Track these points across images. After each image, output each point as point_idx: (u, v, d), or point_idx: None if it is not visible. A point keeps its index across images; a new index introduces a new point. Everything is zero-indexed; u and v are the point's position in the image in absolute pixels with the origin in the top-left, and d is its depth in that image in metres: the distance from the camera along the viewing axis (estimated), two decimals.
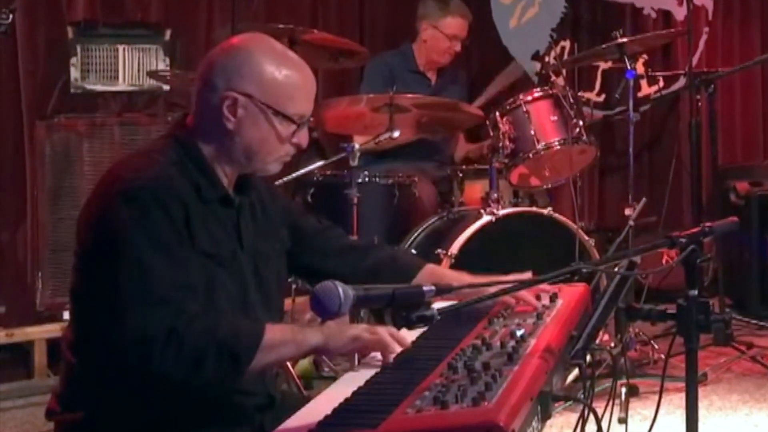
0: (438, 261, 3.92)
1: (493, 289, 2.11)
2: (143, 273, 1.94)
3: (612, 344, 3.81)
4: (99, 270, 1.99)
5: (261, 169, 2.20)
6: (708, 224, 2.11)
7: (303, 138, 2.18)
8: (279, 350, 2.00)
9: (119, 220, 1.98)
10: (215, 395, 2.04)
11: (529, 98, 4.29)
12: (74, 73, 4.69)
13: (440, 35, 4.94)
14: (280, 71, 2.12)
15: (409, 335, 2.16)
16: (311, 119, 2.22)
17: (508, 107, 4.30)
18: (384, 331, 2.04)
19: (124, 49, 4.76)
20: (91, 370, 2.06)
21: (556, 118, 4.25)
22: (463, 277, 2.44)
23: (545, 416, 1.82)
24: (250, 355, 1.95)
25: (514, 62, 5.63)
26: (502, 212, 4.05)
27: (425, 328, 2.12)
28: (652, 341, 4.43)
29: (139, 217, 1.97)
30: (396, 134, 4.02)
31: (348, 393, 1.82)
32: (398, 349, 2.03)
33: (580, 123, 4.23)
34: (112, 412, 2.03)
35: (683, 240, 2.04)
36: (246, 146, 2.14)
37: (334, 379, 2.01)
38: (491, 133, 4.28)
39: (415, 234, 4.27)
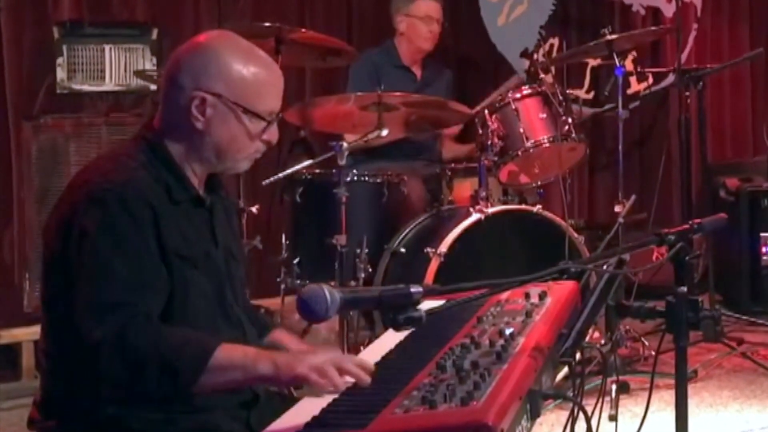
0: (427, 260, 3.91)
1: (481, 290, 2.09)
2: (102, 276, 1.92)
3: (602, 342, 3.82)
4: (63, 273, 1.98)
5: (231, 168, 2.19)
6: (697, 221, 2.11)
7: (273, 135, 2.17)
8: (226, 374, 1.92)
9: (85, 224, 1.96)
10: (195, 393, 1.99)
11: (518, 96, 4.29)
12: (60, 74, 4.67)
13: (416, 21, 4.96)
14: (248, 69, 2.11)
15: (394, 339, 2.15)
16: (280, 115, 2.20)
17: (496, 105, 4.29)
18: (336, 377, 1.89)
19: (110, 49, 4.74)
20: (61, 376, 2.04)
21: (545, 115, 4.24)
22: (300, 345, 2.33)
23: (535, 415, 1.81)
24: (192, 374, 1.90)
25: (516, 76, 5.55)
26: (491, 210, 4.04)
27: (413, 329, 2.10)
28: (642, 338, 4.42)
29: (105, 220, 1.96)
30: (384, 133, 4.01)
31: (336, 393, 1.81)
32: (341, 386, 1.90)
33: (570, 120, 4.22)
34: (85, 417, 2.00)
35: (672, 237, 2.03)
36: (216, 145, 2.12)
37: None
38: (480, 131, 4.27)
39: (404, 233, 4.26)
